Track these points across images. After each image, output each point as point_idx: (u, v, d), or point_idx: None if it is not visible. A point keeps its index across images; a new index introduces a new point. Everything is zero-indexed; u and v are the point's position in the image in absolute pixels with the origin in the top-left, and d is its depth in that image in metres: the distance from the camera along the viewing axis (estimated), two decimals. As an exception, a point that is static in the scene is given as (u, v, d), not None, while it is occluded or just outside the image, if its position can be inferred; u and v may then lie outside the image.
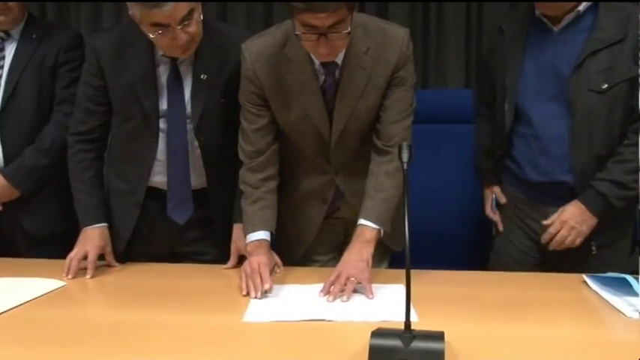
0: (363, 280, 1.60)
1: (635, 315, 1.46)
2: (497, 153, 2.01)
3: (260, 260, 1.63)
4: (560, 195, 1.85)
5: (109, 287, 1.77)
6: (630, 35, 1.73)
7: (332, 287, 1.58)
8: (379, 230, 1.70)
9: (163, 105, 1.81)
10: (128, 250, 1.93)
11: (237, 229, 1.87)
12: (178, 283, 1.75)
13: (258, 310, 1.50)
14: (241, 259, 1.87)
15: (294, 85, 1.68)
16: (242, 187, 1.77)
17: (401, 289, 1.52)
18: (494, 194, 2.08)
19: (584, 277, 1.70)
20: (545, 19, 1.82)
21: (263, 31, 1.77)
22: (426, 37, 3.00)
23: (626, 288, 1.56)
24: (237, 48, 1.76)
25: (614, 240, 1.90)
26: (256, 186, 1.75)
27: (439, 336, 1.18)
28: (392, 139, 1.71)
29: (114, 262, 1.89)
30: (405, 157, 1.35)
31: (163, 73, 1.80)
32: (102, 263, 1.88)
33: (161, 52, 1.78)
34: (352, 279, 1.58)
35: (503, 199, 2.03)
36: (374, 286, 1.60)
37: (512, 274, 1.84)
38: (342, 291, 1.57)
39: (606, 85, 1.74)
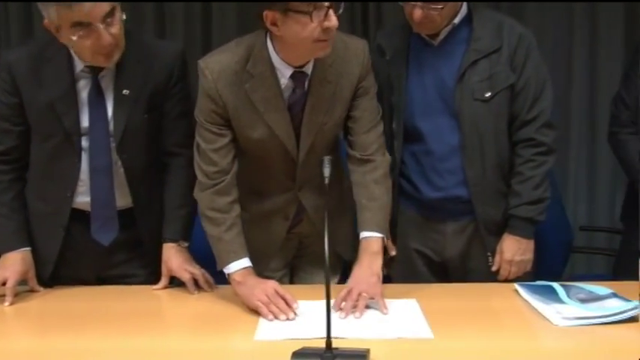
0: (375, 295, 1.57)
1: (562, 323, 1.47)
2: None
3: (273, 285, 1.61)
4: (456, 210, 1.86)
5: (31, 314, 1.69)
6: (505, 44, 1.78)
7: (343, 303, 1.56)
8: (383, 239, 1.69)
9: (85, 122, 1.74)
10: (53, 275, 1.84)
11: (167, 249, 1.81)
12: (106, 306, 1.69)
13: (269, 328, 1.48)
14: (172, 279, 1.82)
15: (258, 103, 1.64)
16: (209, 213, 1.68)
17: (413, 304, 1.57)
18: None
19: (516, 285, 1.71)
20: (423, 34, 1.83)
21: (221, 47, 1.71)
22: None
23: (554, 295, 1.58)
24: (162, 62, 1.71)
25: None
26: (226, 210, 1.68)
27: (362, 354, 1.17)
28: (369, 148, 1.71)
29: (37, 287, 1.80)
30: (327, 172, 1.35)
31: (84, 88, 1.74)
32: (24, 288, 1.79)
33: (80, 68, 1.71)
34: (364, 295, 1.56)
35: (393, 252, 1.94)
36: (387, 300, 1.58)
37: (448, 285, 1.84)
38: (355, 307, 1.54)
39: (489, 94, 1.77)
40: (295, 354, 1.17)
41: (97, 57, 1.65)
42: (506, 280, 1.83)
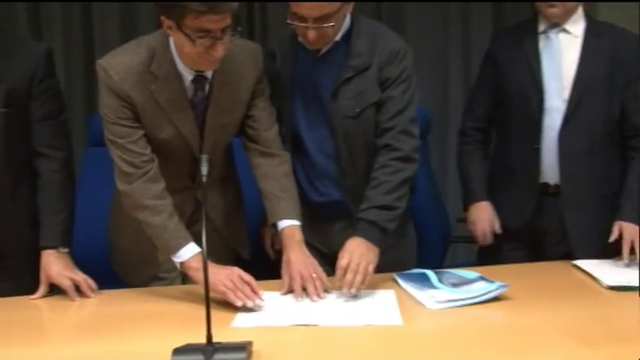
0: (319, 274, 1.68)
1: (435, 306, 1.57)
2: None
3: (237, 271, 1.62)
4: (339, 212, 1.93)
5: None
6: (376, 62, 1.83)
7: (301, 287, 1.65)
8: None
9: None
10: None
11: (46, 256, 1.74)
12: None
13: (247, 317, 1.53)
14: (51, 287, 1.75)
15: (164, 104, 1.66)
16: (148, 202, 1.67)
17: (391, 294, 1.66)
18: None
19: (395, 275, 1.80)
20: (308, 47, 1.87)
21: (121, 47, 1.70)
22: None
23: (428, 282, 1.68)
24: (23, 58, 1.67)
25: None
26: (162, 197, 1.68)
27: (242, 347, 1.20)
28: (272, 144, 1.82)
29: None
30: (205, 170, 1.39)
31: None
32: None
33: None
34: (314, 275, 1.66)
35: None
36: (366, 291, 1.67)
37: (332, 278, 1.88)
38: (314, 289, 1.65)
39: (358, 110, 1.84)
40: (176, 350, 1.18)
41: None
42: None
